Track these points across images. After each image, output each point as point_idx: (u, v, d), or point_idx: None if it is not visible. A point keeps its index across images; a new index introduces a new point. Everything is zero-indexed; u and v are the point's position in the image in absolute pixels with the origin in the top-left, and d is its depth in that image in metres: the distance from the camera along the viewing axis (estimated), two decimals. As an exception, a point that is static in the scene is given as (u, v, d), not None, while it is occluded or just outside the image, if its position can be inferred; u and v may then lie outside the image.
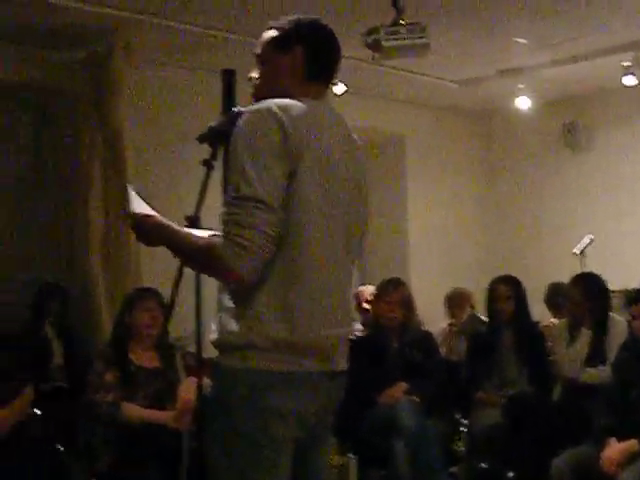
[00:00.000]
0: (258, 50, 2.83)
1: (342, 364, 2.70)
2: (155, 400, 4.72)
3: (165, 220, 2.69)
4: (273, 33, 2.80)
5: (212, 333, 2.62)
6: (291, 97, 2.65)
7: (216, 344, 2.60)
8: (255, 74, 2.84)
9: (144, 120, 6.86)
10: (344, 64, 6.16)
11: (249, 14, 5.98)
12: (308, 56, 2.74)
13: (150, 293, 4.94)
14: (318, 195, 2.56)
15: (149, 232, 2.70)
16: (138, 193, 2.88)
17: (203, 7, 5.88)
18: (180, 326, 3.60)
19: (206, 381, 3.58)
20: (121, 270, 6.30)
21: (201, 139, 3.05)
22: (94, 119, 6.49)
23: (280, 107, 2.54)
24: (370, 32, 5.14)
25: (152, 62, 6.90)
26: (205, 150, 3.25)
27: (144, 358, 4.86)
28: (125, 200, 2.91)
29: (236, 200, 2.45)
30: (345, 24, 6.03)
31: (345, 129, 2.79)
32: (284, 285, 2.51)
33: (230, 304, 2.56)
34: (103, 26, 6.20)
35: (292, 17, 2.81)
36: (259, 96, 2.76)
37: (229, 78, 6.85)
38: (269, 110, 2.52)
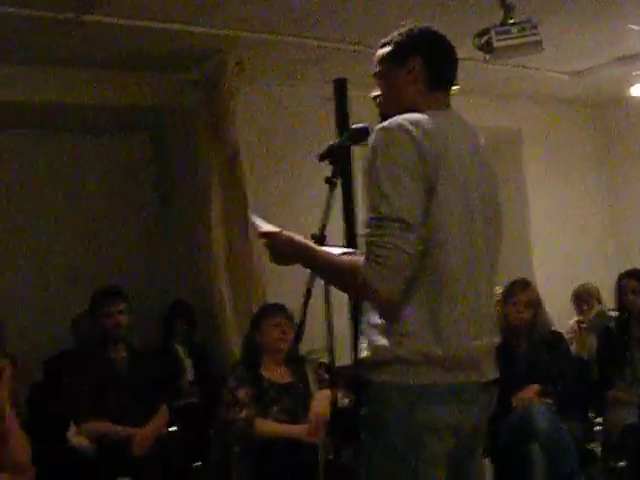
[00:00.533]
0: (375, 68, 2.84)
1: (492, 373, 2.69)
2: (288, 415, 4.75)
3: (301, 238, 2.72)
4: (387, 48, 2.81)
5: (361, 350, 2.63)
6: (417, 109, 2.65)
7: (366, 361, 2.61)
8: (376, 92, 2.86)
9: (260, 136, 6.92)
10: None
11: (359, 24, 5.98)
12: (427, 65, 2.73)
13: (278, 309, 4.98)
14: (457, 208, 2.55)
15: (285, 251, 2.73)
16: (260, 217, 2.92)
17: (312, 21, 5.89)
18: (309, 339, 3.62)
19: (338, 393, 3.62)
20: (246, 287, 6.35)
21: (322, 157, 3.09)
22: (210, 138, 6.57)
23: (412, 122, 2.53)
24: (481, 34, 5.07)
25: (265, 77, 6.95)
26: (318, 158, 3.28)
27: (276, 373, 4.91)
28: (250, 225, 2.95)
29: (377, 221, 2.46)
30: (453, 26, 6.02)
31: (473, 135, 2.77)
32: (430, 299, 2.51)
33: (378, 321, 2.57)
34: (215, 46, 6.27)
35: (402, 29, 2.81)
36: (385, 113, 2.77)
37: (341, 87, 6.95)
38: (401, 127, 2.51)
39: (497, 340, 2.71)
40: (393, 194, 2.44)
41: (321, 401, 4.58)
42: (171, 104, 6.90)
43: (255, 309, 6.16)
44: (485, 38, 5.04)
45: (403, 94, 2.74)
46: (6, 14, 5.27)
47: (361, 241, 2.55)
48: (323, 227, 3.00)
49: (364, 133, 2.96)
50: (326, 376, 4.82)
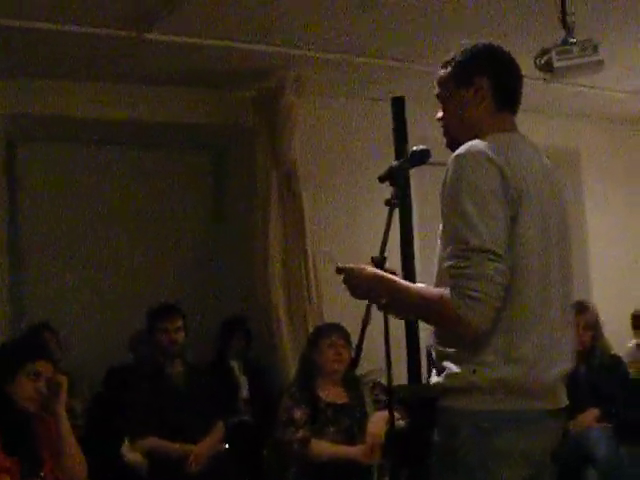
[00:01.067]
0: (437, 90, 2.79)
1: (564, 400, 2.65)
2: (344, 435, 4.74)
3: (380, 271, 2.70)
4: (449, 69, 2.75)
5: (434, 377, 2.62)
6: (484, 131, 2.61)
7: (440, 387, 2.58)
8: (440, 114, 2.80)
9: (318, 153, 6.92)
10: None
11: (417, 42, 5.97)
12: (494, 85, 2.68)
13: (334, 328, 4.96)
14: (536, 235, 2.51)
15: (364, 284, 2.70)
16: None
17: (370, 39, 5.89)
18: (366, 359, 3.60)
19: (396, 415, 3.59)
20: (303, 305, 6.35)
21: (381, 179, 3.06)
22: (269, 155, 6.59)
23: (492, 148, 2.48)
24: (541, 54, 5.02)
25: (323, 94, 6.96)
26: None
27: (332, 394, 4.89)
28: (326, 261, 2.97)
29: (465, 252, 2.41)
30: (512, 44, 5.99)
31: (541, 156, 2.71)
32: (507, 328, 2.47)
33: (452, 348, 2.54)
34: (274, 64, 6.29)
35: (464, 48, 2.75)
36: (451, 135, 2.75)
37: (399, 105, 6.93)
38: (482, 153, 2.46)
39: (570, 366, 2.66)
40: (480, 223, 2.39)
41: (377, 422, 4.56)
42: (230, 121, 6.92)
43: (311, 327, 6.18)
44: (545, 58, 4.98)
45: (470, 116, 2.69)
46: (72, 33, 5.36)
47: (439, 270, 2.54)
48: (383, 249, 2.98)
49: (424, 156, 2.94)
50: (382, 397, 4.79)
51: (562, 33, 5.08)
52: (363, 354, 3.17)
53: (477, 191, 2.41)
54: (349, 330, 4.84)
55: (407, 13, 5.42)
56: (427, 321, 2.68)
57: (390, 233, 2.97)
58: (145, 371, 5.37)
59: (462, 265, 2.40)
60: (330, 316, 5.79)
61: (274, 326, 6.40)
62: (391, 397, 3.42)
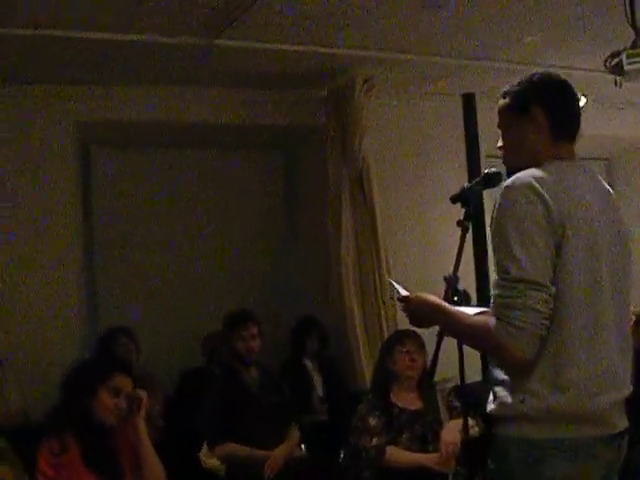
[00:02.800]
0: (498, 120, 2.82)
1: (621, 425, 2.63)
2: (419, 442, 4.74)
3: (436, 299, 2.76)
4: (508, 99, 2.78)
5: (489, 404, 2.66)
6: (541, 160, 2.64)
7: (492, 415, 2.63)
8: (500, 143, 2.83)
9: (389, 151, 6.92)
10: (583, 77, 6.01)
11: (486, 39, 5.92)
12: (549, 115, 2.69)
13: (408, 335, 4.96)
14: (583, 263, 2.52)
15: (422, 314, 2.81)
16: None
17: (439, 38, 5.85)
18: (440, 366, 3.60)
19: (470, 422, 3.59)
20: (376, 307, 6.36)
21: (453, 199, 3.10)
22: (340, 154, 6.60)
23: (537, 179, 2.51)
24: (611, 56, 4.97)
25: (393, 93, 6.95)
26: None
27: (406, 400, 4.90)
28: (390, 290, 3.02)
29: (507, 282, 2.46)
30: (582, 42, 5.91)
31: (599, 184, 2.73)
32: (556, 357, 2.49)
33: (503, 376, 2.58)
34: (343, 64, 6.30)
35: (524, 78, 2.77)
36: (509, 164, 2.79)
37: (470, 102, 6.87)
38: (529, 185, 2.50)
39: (627, 392, 2.64)
40: (523, 254, 2.44)
41: (452, 430, 4.55)
42: (302, 121, 6.97)
43: (386, 328, 6.19)
44: (616, 60, 4.92)
45: (527, 145, 2.72)
46: (144, 42, 5.49)
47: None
48: (456, 269, 3.03)
49: (497, 178, 2.94)
50: (457, 404, 4.79)
51: (632, 35, 5.01)
52: (438, 361, 3.22)
53: (520, 223, 2.47)
54: (423, 336, 4.83)
55: (476, 10, 5.38)
56: (477, 349, 2.81)
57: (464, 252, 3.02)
58: (220, 377, 5.43)
59: (505, 295, 2.46)
60: (404, 320, 5.78)
61: (348, 328, 6.42)
62: (465, 405, 3.42)
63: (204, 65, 6.07)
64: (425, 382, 4.91)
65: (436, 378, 4.87)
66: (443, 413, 4.85)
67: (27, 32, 5.16)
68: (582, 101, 6.53)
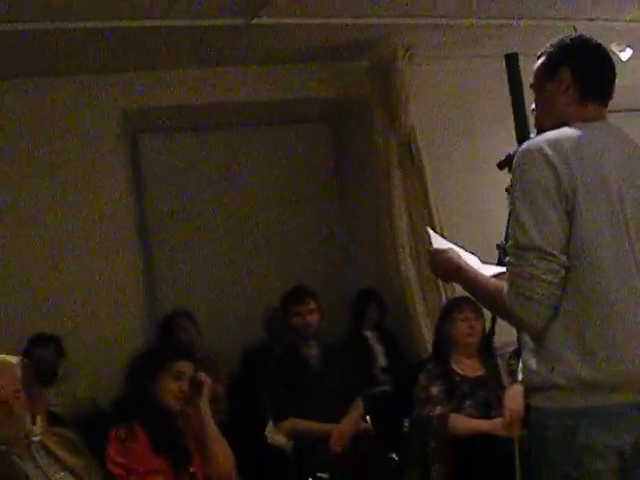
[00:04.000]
0: (531, 80, 2.80)
1: None
2: (481, 408, 4.74)
3: (461, 260, 2.77)
4: (540, 61, 2.76)
5: (519, 373, 2.66)
6: (568, 121, 2.61)
7: (523, 385, 2.65)
8: (533, 105, 2.81)
9: (435, 118, 6.87)
10: (628, 28, 5.91)
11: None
12: (576, 76, 2.66)
13: (466, 301, 4.94)
14: (602, 225, 2.47)
15: (443, 270, 2.86)
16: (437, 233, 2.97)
17: (475, 1, 5.79)
18: (501, 331, 3.60)
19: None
20: (433, 276, 6.33)
21: (500, 166, 3.09)
22: (387, 125, 6.58)
23: (550, 144, 2.49)
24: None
25: (435, 59, 6.90)
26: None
27: (467, 367, 4.91)
28: (427, 240, 3.02)
29: (515, 249, 2.47)
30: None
31: (628, 144, 2.66)
32: (580, 323, 2.46)
33: (531, 344, 2.56)
34: (384, 33, 6.27)
35: (556, 40, 2.74)
36: (538, 126, 2.77)
37: (513, 63, 6.78)
38: (539, 150, 2.48)
39: None
40: (532, 224, 2.43)
41: (515, 394, 4.52)
42: (346, 92, 6.95)
43: (444, 295, 6.18)
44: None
45: (554, 106, 2.69)
46: (181, 27, 5.55)
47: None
48: (507, 236, 3.01)
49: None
50: (518, 368, 4.77)
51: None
52: (498, 324, 3.23)
53: (529, 190, 2.46)
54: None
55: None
56: (492, 312, 2.87)
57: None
58: (282, 353, 5.48)
59: (515, 263, 2.47)
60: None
61: (407, 297, 6.43)
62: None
63: (244, 44, 6.08)
64: (485, 348, 4.91)
65: (496, 343, 4.92)
66: (505, 378, 4.84)
67: (70, 25, 5.22)
68: (627, 53, 6.49)
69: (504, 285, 2.51)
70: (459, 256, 2.79)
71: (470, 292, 2.78)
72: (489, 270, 2.75)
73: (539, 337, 2.51)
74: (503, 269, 2.66)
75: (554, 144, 2.49)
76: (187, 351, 4.18)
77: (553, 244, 2.43)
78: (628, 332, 2.46)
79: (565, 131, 2.56)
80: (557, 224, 2.44)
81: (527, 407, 2.64)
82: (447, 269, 2.80)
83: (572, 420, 2.46)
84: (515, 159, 2.55)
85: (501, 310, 2.56)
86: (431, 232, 3.04)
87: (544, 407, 2.52)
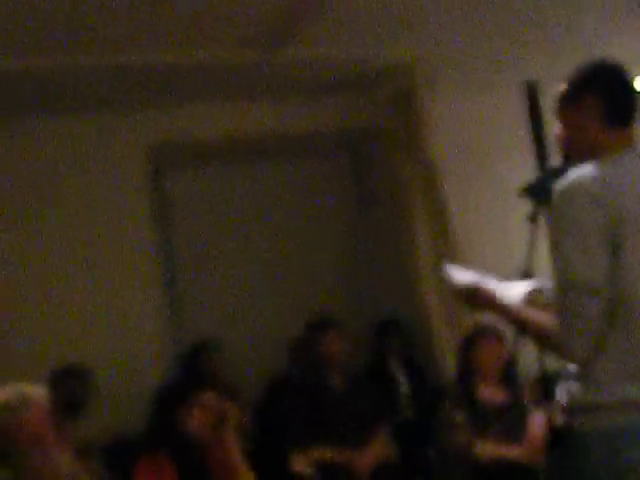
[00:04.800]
0: (556, 106, 2.82)
1: None
2: (506, 436, 4.74)
3: (489, 293, 2.79)
4: (563, 88, 2.78)
5: (562, 398, 2.68)
6: (597, 149, 2.64)
7: (565, 408, 2.66)
8: (558, 131, 2.82)
9: (457, 148, 6.89)
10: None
11: (546, 27, 5.87)
12: (603, 102, 2.68)
13: (489, 331, 4.96)
14: None
15: (479, 305, 2.86)
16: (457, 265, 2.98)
17: (495, 30, 5.82)
18: (522, 357, 3.62)
19: (555, 413, 3.59)
20: (456, 303, 6.33)
21: (521, 194, 3.11)
22: (408, 155, 6.62)
23: (593, 179, 2.51)
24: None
25: (455, 88, 6.93)
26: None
27: (491, 394, 4.91)
28: (445, 279, 3.01)
29: (562, 287, 2.51)
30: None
31: None
32: (624, 354, 2.51)
33: (575, 370, 2.60)
34: (404, 63, 6.32)
35: (580, 66, 2.77)
36: (566, 153, 2.81)
37: (532, 90, 6.80)
38: (582, 187, 2.51)
39: None
40: (579, 260, 2.46)
41: (538, 421, 4.55)
42: (368, 123, 7.00)
43: (466, 325, 6.18)
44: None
45: (582, 133, 2.71)
46: (201, 62, 5.60)
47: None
48: (529, 265, 3.06)
49: (562, 172, 2.93)
50: (541, 395, 4.77)
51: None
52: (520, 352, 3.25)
53: (574, 227, 2.48)
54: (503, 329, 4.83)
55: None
56: (538, 345, 2.92)
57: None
58: (305, 382, 5.50)
59: (562, 300, 2.51)
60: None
61: (429, 325, 6.45)
62: (547, 395, 3.43)
63: (267, 77, 6.14)
64: (508, 374, 4.91)
65: (519, 370, 4.92)
66: (529, 405, 4.84)
67: (94, 60, 5.29)
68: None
69: (545, 320, 2.58)
70: (489, 288, 2.80)
71: (514, 324, 2.80)
72: (516, 288, 2.79)
73: (587, 364, 2.55)
74: (529, 288, 2.75)
75: (596, 180, 2.51)
76: (210, 381, 4.20)
77: (600, 280, 2.46)
78: None
79: (604, 163, 2.57)
80: (604, 260, 2.47)
81: (570, 431, 2.63)
82: (481, 306, 2.84)
83: (615, 439, 2.50)
84: (558, 195, 2.55)
85: (549, 347, 2.66)
86: (447, 268, 3.03)
87: (587, 429, 2.55)
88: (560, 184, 2.56)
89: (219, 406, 3.95)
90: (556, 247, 2.52)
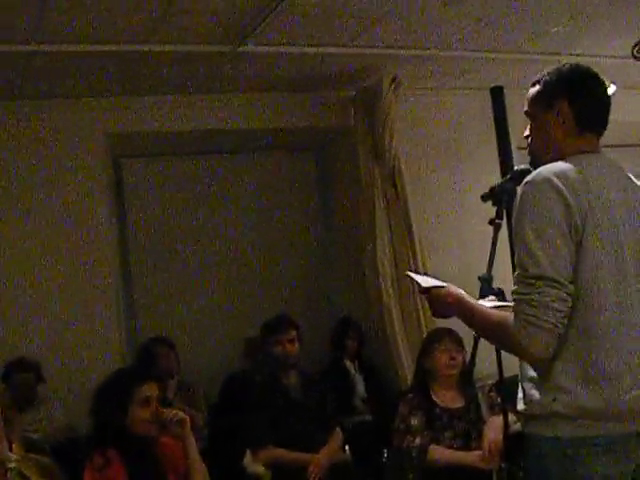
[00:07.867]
0: (526, 107, 2.80)
1: None
2: (461, 440, 4.73)
3: (459, 293, 2.74)
4: (537, 88, 2.76)
5: (519, 402, 2.64)
6: (565, 152, 2.63)
7: (522, 413, 2.62)
8: (527, 132, 2.81)
9: (420, 148, 6.90)
10: (612, 64, 5.97)
11: (511, 31, 5.86)
12: (574, 108, 2.67)
13: (446, 333, 4.95)
14: (606, 261, 2.49)
15: (443, 306, 2.78)
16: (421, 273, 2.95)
17: (464, 33, 5.81)
18: (480, 362, 3.60)
19: (511, 418, 3.57)
20: (414, 305, 6.34)
21: (484, 198, 3.11)
22: (371, 154, 6.60)
23: (558, 175, 2.50)
24: (637, 44, 5.01)
25: (421, 90, 6.95)
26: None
27: (447, 398, 4.89)
28: (411, 282, 2.99)
29: (525, 279, 2.45)
30: (608, 27, 5.85)
31: (622, 175, 2.69)
32: (582, 354, 2.48)
33: (532, 374, 2.57)
34: (370, 64, 6.29)
35: (553, 69, 2.74)
36: (533, 154, 2.79)
37: (498, 95, 6.82)
38: (547, 180, 2.49)
39: None
40: (542, 254, 2.43)
41: (494, 426, 4.52)
42: (331, 122, 6.98)
43: (424, 325, 6.18)
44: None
45: (551, 136, 2.70)
46: (168, 52, 5.53)
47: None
48: (490, 268, 3.05)
49: (527, 175, 2.91)
50: (498, 400, 4.76)
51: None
52: (478, 355, 3.22)
53: (538, 220, 2.46)
54: (461, 333, 4.82)
55: (501, 2, 5.33)
56: (496, 345, 2.80)
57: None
58: (261, 382, 5.44)
59: (523, 292, 2.45)
60: (442, 321, 5.77)
61: (387, 327, 6.41)
62: (504, 401, 3.41)
63: (230, 72, 6.09)
64: (465, 379, 4.90)
65: (476, 375, 4.91)
66: (484, 410, 4.83)
67: (53, 48, 5.20)
68: (611, 89, 6.56)
69: (508, 315, 2.50)
70: (457, 288, 2.77)
71: (470, 324, 2.72)
72: (485, 304, 2.75)
73: (542, 367, 2.52)
74: (500, 303, 2.71)
75: (562, 175, 2.50)
76: (149, 373, 4.15)
77: (563, 274, 2.43)
78: (633, 364, 2.49)
79: (571, 163, 2.57)
80: (567, 254, 2.45)
81: (525, 436, 2.61)
82: (449, 304, 2.74)
83: (572, 449, 2.47)
84: (522, 189, 2.54)
85: (505, 340, 2.53)
86: (412, 275, 3.04)
87: (544, 436, 2.52)
88: (528, 177, 2.55)
89: (176, 415, 3.91)
90: (520, 239, 2.49)
